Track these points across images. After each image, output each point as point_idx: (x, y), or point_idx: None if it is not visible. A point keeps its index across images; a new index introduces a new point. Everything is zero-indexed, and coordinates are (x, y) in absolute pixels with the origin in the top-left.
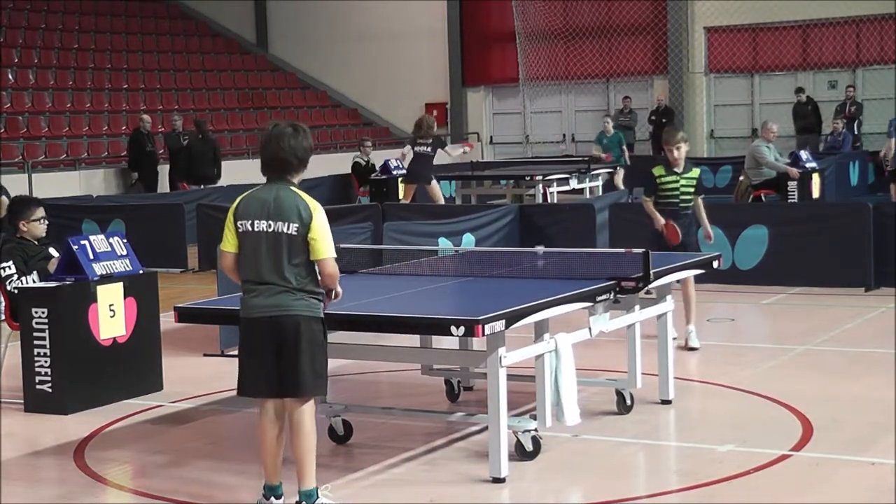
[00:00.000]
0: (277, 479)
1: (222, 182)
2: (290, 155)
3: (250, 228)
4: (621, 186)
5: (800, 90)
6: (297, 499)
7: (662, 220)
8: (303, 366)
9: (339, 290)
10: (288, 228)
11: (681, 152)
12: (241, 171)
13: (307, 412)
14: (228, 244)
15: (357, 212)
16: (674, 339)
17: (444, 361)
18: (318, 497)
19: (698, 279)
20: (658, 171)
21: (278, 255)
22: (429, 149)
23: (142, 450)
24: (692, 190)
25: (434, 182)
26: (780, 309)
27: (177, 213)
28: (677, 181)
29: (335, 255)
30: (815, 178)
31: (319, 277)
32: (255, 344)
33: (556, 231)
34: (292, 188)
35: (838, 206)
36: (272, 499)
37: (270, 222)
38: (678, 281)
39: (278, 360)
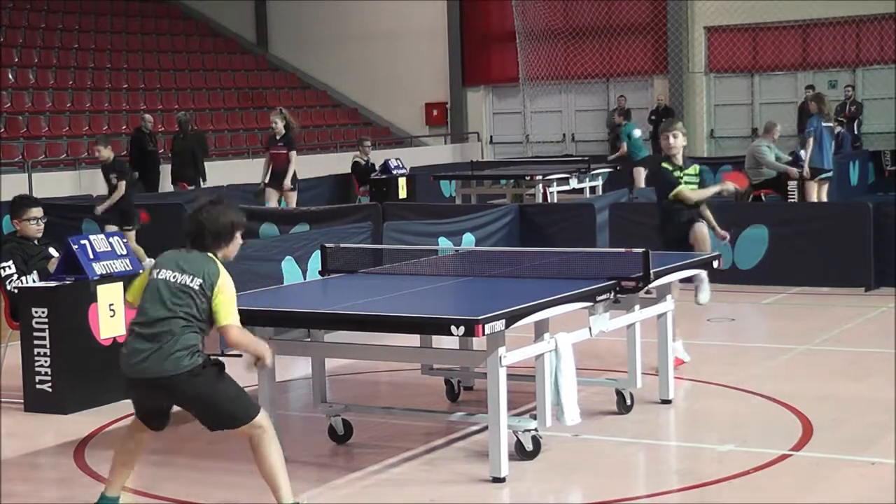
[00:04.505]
0: (117, 492)
1: (222, 182)
2: (202, 227)
3: None
4: (643, 185)
5: (810, 87)
6: None
7: (720, 187)
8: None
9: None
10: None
11: (677, 141)
12: (241, 171)
13: (259, 432)
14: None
15: (357, 211)
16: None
17: (444, 361)
18: None
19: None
20: (665, 164)
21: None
22: None
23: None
24: (696, 187)
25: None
26: (780, 309)
27: (177, 214)
28: (681, 177)
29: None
30: None
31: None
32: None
33: (556, 231)
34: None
35: (838, 206)
36: None
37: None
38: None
39: None
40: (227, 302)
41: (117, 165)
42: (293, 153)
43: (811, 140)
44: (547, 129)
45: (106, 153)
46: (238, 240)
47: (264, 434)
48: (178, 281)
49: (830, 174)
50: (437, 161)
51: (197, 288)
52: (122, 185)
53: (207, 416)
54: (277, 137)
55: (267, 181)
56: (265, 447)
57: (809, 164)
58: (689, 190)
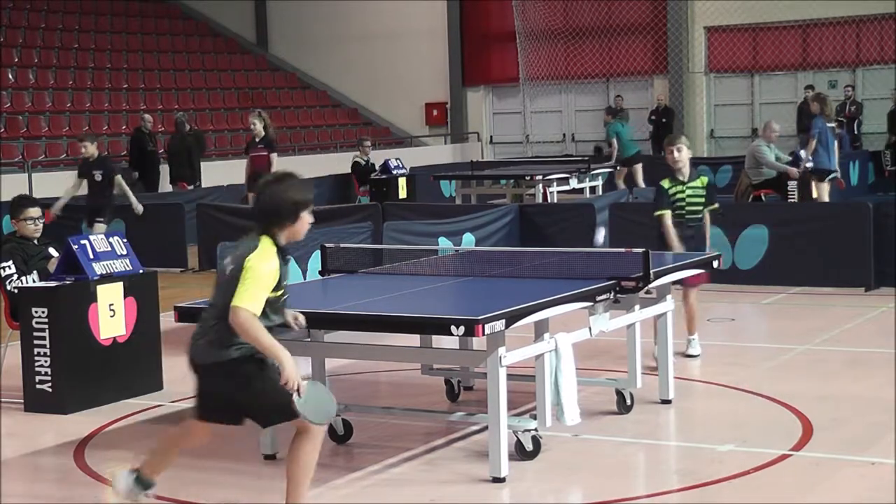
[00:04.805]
0: (156, 477)
1: (222, 182)
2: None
3: None
4: (642, 184)
5: (809, 87)
6: None
7: (678, 247)
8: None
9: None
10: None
11: (681, 154)
12: (241, 171)
13: (300, 429)
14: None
15: (357, 211)
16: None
17: (444, 361)
18: None
19: (697, 279)
20: (665, 183)
21: None
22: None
23: (142, 450)
24: (700, 200)
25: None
26: (780, 309)
27: (177, 213)
28: (683, 191)
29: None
30: None
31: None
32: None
33: (556, 231)
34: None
35: (838, 206)
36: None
37: None
38: (682, 298)
39: None
40: (246, 280)
41: (101, 163)
42: (274, 155)
43: (814, 142)
44: (547, 129)
45: (91, 149)
46: (305, 219)
47: (302, 433)
48: (222, 269)
49: (837, 174)
50: (437, 161)
51: (229, 276)
52: (118, 178)
53: (247, 412)
54: (257, 140)
55: (249, 185)
56: (295, 445)
57: (817, 166)
58: (668, 220)
